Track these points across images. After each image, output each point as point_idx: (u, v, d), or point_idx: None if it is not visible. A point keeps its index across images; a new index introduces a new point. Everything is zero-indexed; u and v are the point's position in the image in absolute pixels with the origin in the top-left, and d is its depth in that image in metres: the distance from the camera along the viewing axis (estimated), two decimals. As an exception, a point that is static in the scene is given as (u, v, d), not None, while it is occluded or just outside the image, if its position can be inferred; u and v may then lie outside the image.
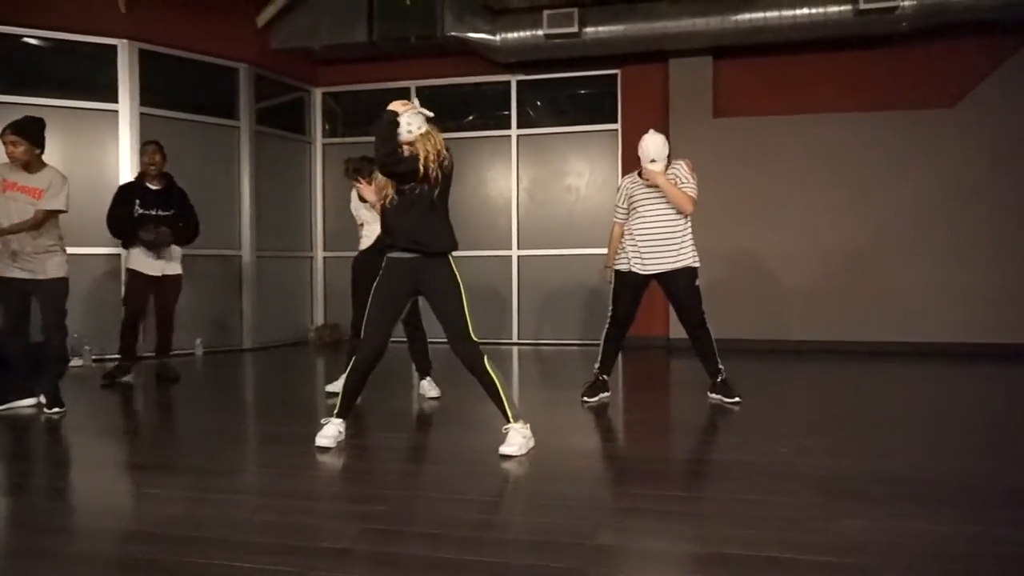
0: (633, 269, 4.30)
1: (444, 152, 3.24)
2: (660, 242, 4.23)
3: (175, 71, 6.94)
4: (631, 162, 7.58)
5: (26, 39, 6.23)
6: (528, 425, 3.24)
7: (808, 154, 7.11)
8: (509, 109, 7.97)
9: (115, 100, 6.51)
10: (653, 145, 4.20)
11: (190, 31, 6.92)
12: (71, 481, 3.08)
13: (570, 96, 8.06)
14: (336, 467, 3.17)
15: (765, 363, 6.30)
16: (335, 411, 3.36)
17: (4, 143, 4.10)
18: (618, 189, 4.49)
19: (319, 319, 8.39)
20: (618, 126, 7.69)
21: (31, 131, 4.13)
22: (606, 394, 4.49)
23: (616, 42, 7.07)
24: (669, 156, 4.26)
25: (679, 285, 4.27)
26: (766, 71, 7.29)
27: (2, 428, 3.87)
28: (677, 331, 7.22)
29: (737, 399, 4.27)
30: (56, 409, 4.16)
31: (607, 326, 4.50)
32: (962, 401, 4.75)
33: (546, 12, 6.98)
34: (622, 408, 4.60)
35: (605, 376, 4.50)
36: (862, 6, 6.34)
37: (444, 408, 4.40)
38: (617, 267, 4.40)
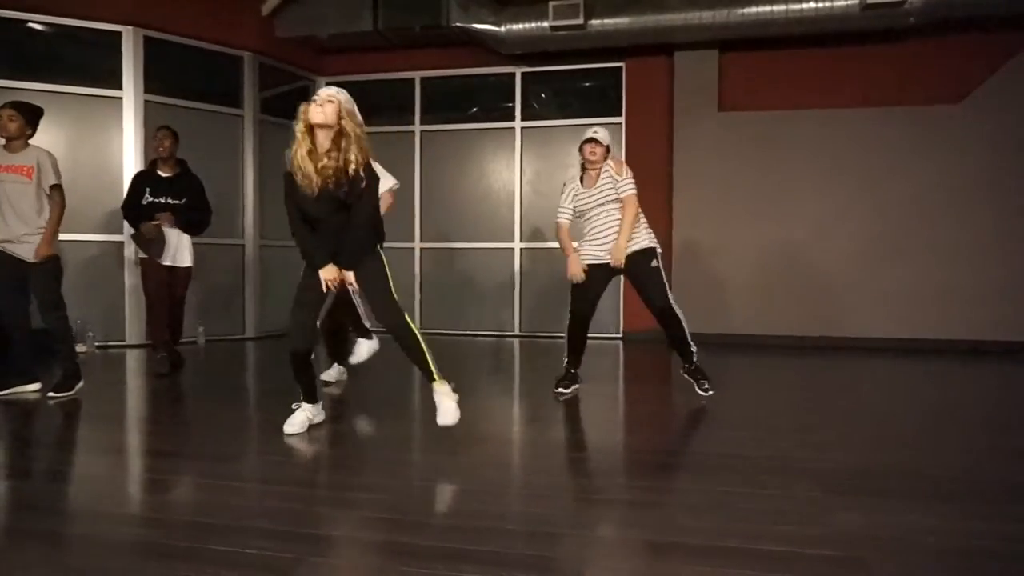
0: (590, 262, 4.28)
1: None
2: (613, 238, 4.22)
3: (180, 59, 6.94)
4: (635, 155, 7.60)
5: (31, 24, 6.23)
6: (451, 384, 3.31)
7: (813, 149, 7.10)
8: (513, 101, 7.96)
9: (119, 87, 6.52)
10: (602, 129, 4.26)
11: (195, 18, 6.91)
12: (77, 465, 3.10)
13: (575, 89, 8.04)
14: (335, 455, 3.19)
15: (767, 358, 6.31)
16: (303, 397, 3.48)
17: (0, 115, 4.11)
18: (563, 187, 4.42)
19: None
20: (622, 119, 7.67)
21: (29, 112, 4.17)
22: (576, 386, 4.55)
23: (621, 34, 7.05)
24: (608, 148, 4.27)
25: (640, 267, 4.24)
26: (772, 65, 7.27)
27: (5, 412, 3.89)
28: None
29: (709, 390, 4.29)
30: (63, 393, 4.18)
31: (568, 321, 4.48)
32: (965, 397, 4.76)
33: (552, 3, 6.96)
34: (623, 401, 4.61)
35: (575, 369, 4.54)
36: (869, 0, 6.31)
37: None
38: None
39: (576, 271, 4.27)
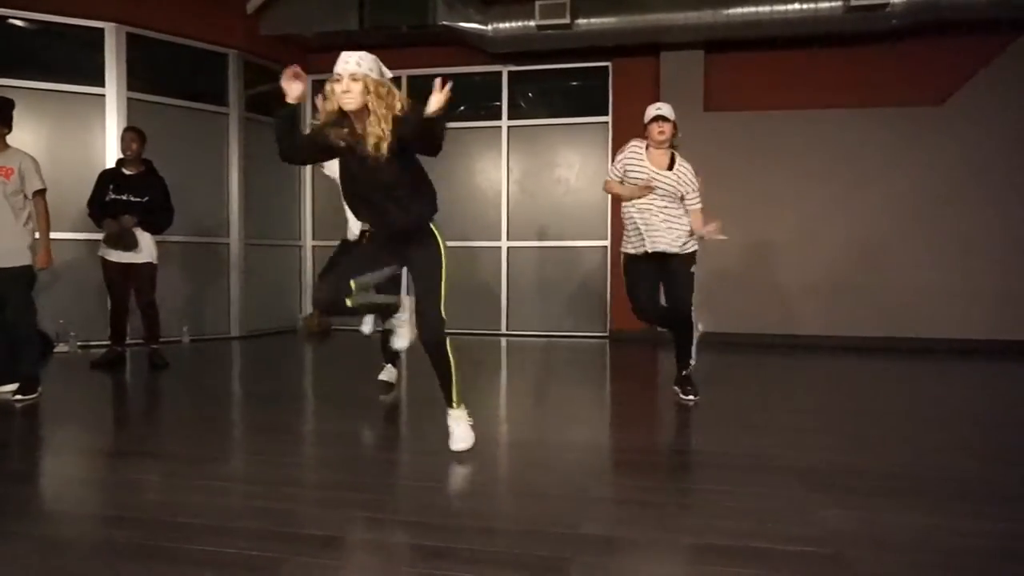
0: (638, 251, 4.09)
1: None
2: (664, 226, 4.04)
3: (163, 56, 6.87)
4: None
5: (13, 20, 6.15)
6: None
7: (799, 149, 7.15)
8: (500, 100, 7.95)
9: (102, 84, 6.45)
10: (666, 106, 4.16)
11: (179, 15, 6.85)
12: (55, 466, 3.06)
13: (561, 88, 8.05)
14: (320, 455, 3.18)
15: (754, 357, 6.35)
16: None
17: None
18: (622, 150, 4.20)
19: (307, 308, 8.37)
20: (608, 118, 7.69)
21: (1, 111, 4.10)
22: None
23: (608, 34, 7.06)
24: (676, 124, 4.14)
25: (683, 267, 4.09)
26: (757, 66, 7.31)
27: (-15, 414, 3.84)
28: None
29: (692, 398, 4.17)
30: (26, 395, 4.11)
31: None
32: (955, 397, 4.79)
33: (538, 3, 6.96)
34: (610, 401, 4.62)
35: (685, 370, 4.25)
36: (853, 3, 6.37)
37: (425, 397, 4.39)
38: (624, 251, 4.21)
39: (645, 183, 3.99)
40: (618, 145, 7.59)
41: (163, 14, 6.73)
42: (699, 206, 4.13)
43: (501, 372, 5.70)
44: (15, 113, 4.22)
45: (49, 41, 6.37)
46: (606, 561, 2.00)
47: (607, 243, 7.66)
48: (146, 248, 5.26)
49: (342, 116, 2.86)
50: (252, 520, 2.27)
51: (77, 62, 6.41)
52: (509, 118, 7.95)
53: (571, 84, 7.98)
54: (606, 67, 7.68)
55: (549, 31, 7.06)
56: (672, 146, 4.16)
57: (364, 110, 2.79)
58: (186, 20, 6.90)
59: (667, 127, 4.08)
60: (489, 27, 7.21)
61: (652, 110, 4.12)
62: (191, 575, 1.87)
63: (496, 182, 8.02)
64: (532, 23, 7.05)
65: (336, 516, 2.32)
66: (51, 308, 5.89)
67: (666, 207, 4.06)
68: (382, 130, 2.78)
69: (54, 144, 6.20)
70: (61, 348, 6.09)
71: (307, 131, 3.03)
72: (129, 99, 6.53)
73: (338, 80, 2.79)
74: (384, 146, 2.80)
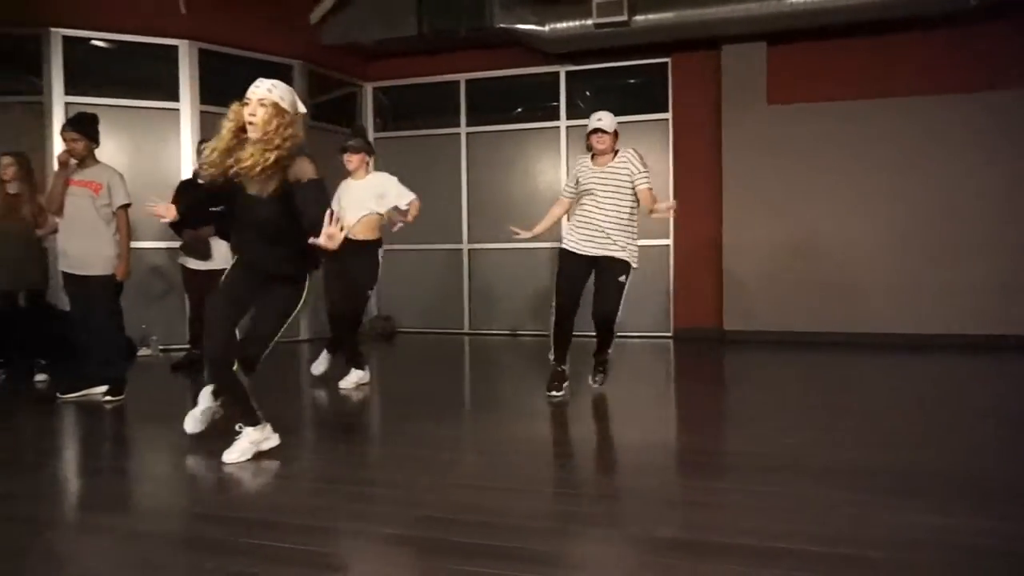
0: (573, 249, 4.24)
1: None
2: (607, 231, 4.17)
3: (233, 69, 7.14)
4: (682, 151, 7.51)
5: (94, 41, 6.50)
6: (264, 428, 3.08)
7: (869, 141, 6.87)
8: (558, 100, 7.94)
9: (176, 99, 6.75)
10: (607, 116, 4.25)
11: (246, 29, 7.11)
12: (141, 463, 3.22)
13: (620, 86, 7.97)
14: (386, 455, 3.24)
15: (822, 355, 6.16)
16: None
17: (64, 141, 4.31)
18: (568, 173, 4.41)
19: (372, 311, 8.54)
20: (669, 115, 7.58)
21: (88, 127, 4.34)
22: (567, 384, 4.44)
23: (666, 29, 6.96)
24: (616, 132, 4.26)
25: (611, 274, 4.19)
26: (823, 56, 7.07)
27: (76, 413, 4.07)
28: (732, 323, 7.16)
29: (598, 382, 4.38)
30: (115, 397, 4.34)
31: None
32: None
33: (595, 1, 6.91)
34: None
35: (563, 367, 4.43)
36: (925, -15, 6.09)
37: (469, 396, 4.44)
38: (563, 246, 4.34)
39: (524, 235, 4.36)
40: (680, 142, 7.51)
41: (231, 29, 6.99)
42: (647, 186, 4.20)
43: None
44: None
45: (127, 60, 6.70)
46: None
47: (669, 242, 7.55)
48: (221, 256, 5.45)
49: (227, 155, 2.89)
50: (315, 517, 2.34)
51: (153, 79, 6.73)
52: (567, 118, 7.92)
53: (630, 82, 7.89)
54: (665, 63, 7.57)
55: (606, 29, 7.00)
56: (615, 151, 4.28)
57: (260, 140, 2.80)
58: (253, 34, 7.15)
59: (605, 138, 4.21)
60: (546, 27, 7.21)
61: (592, 122, 4.25)
62: (266, 570, 1.94)
63: (555, 183, 7.99)
64: (589, 22, 7.01)
65: (402, 515, 2.37)
66: (134, 314, 6.19)
67: (617, 207, 4.17)
68: (264, 157, 2.78)
69: (134, 158, 6.52)
70: (143, 352, 6.40)
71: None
72: (202, 112, 6.81)
73: (246, 104, 2.85)
74: (258, 171, 2.80)
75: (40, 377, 5.03)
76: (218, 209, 5.39)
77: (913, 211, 6.76)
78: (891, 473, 2.74)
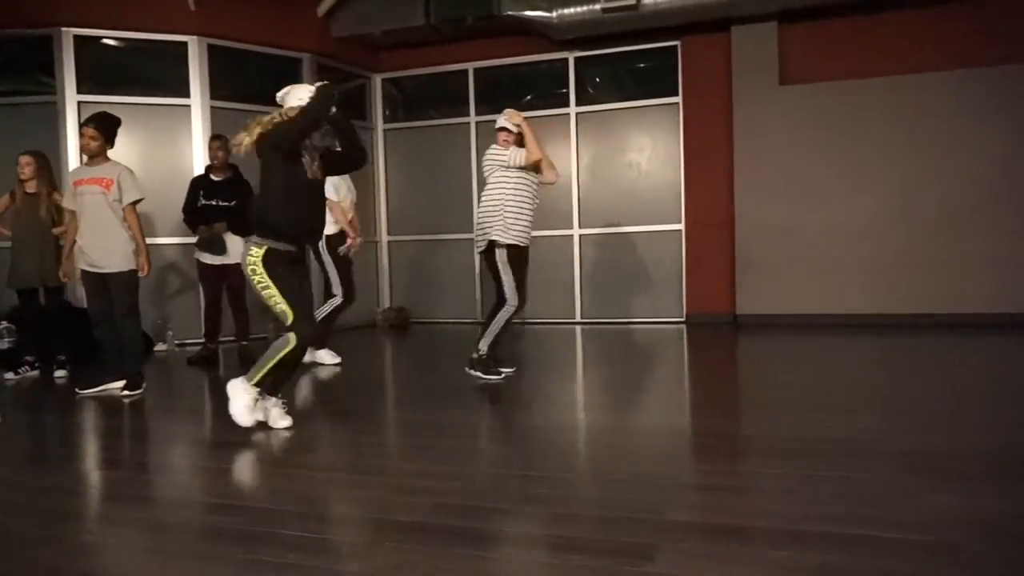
0: (517, 243, 4.44)
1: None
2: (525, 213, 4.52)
3: (242, 64, 7.15)
4: (693, 135, 7.45)
5: (105, 40, 6.54)
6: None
7: (883, 119, 6.78)
8: (567, 87, 7.90)
9: (187, 95, 6.77)
10: (514, 117, 4.48)
11: (255, 24, 7.11)
12: (160, 456, 3.26)
13: (629, 71, 7.91)
14: (402, 444, 3.26)
15: (837, 337, 6.11)
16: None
17: (82, 135, 4.36)
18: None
19: (385, 302, 8.57)
20: (679, 99, 7.51)
21: (109, 126, 4.39)
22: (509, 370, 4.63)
23: (675, 12, 6.88)
24: (519, 126, 4.46)
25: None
26: (836, 33, 6.98)
27: (97, 408, 4.13)
28: (744, 307, 7.12)
29: (493, 377, 4.42)
30: (133, 391, 4.38)
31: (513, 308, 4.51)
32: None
33: (603, -14, 6.85)
34: (688, 385, 4.54)
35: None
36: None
37: (501, 386, 4.44)
38: (508, 243, 4.45)
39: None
40: (690, 125, 7.45)
41: (240, 24, 7.00)
42: (522, 161, 4.47)
43: (577, 360, 5.68)
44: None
45: (137, 58, 6.74)
46: (694, 548, 1.97)
47: (681, 227, 7.51)
48: (235, 251, 5.49)
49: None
50: (339, 507, 2.36)
51: (163, 76, 6.76)
52: (577, 104, 7.88)
53: (639, 66, 7.83)
54: (675, 46, 7.50)
55: (615, 13, 6.93)
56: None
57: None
58: (261, 28, 7.15)
59: (510, 136, 4.46)
60: (554, 14, 7.15)
61: (499, 120, 4.52)
62: (288, 559, 1.96)
63: (566, 169, 7.96)
64: (597, 7, 6.95)
65: (423, 503, 2.38)
66: (150, 309, 6.25)
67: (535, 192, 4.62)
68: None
69: (147, 155, 6.56)
70: (160, 346, 6.46)
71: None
72: (212, 108, 6.83)
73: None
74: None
75: (60, 373, 5.10)
76: (230, 204, 5.47)
77: (929, 189, 6.67)
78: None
